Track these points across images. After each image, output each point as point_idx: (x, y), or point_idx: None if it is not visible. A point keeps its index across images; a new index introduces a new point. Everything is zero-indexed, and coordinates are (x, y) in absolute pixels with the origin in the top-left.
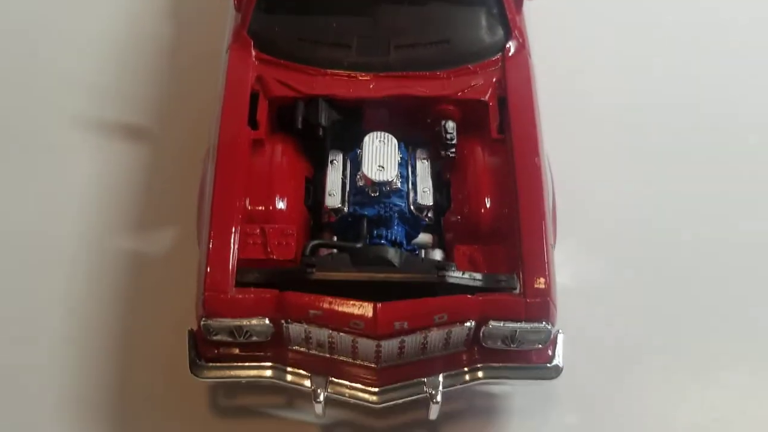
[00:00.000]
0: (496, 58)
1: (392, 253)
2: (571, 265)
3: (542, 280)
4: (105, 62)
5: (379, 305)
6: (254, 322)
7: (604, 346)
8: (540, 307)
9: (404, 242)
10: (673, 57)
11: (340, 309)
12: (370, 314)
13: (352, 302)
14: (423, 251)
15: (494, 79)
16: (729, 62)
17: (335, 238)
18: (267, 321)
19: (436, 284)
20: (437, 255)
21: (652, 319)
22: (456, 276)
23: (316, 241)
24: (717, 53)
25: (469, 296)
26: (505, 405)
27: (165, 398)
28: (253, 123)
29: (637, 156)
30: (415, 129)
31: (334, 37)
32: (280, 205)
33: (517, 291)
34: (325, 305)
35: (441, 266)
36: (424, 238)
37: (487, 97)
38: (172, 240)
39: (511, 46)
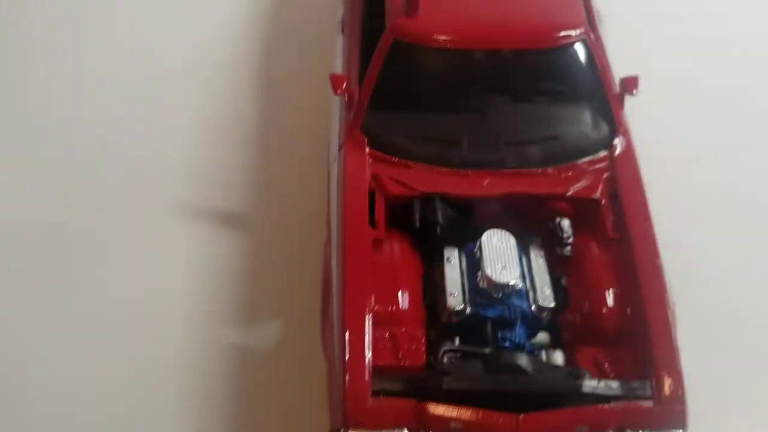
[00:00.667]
0: (603, 155)
1: (525, 360)
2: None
3: (676, 387)
4: (205, 148)
5: (521, 417)
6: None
7: None
8: (677, 415)
9: (526, 344)
10: None
11: (481, 421)
12: (514, 426)
13: (493, 414)
14: (543, 352)
15: (604, 176)
16: None
17: (458, 340)
18: (406, 431)
19: (567, 394)
20: (558, 357)
21: None
22: (592, 385)
23: (447, 347)
24: None
25: (607, 406)
26: None
27: None
28: (372, 222)
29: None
30: (527, 225)
31: (445, 134)
32: (405, 306)
33: (651, 398)
34: (467, 417)
35: (576, 374)
36: (540, 337)
37: (598, 195)
38: (276, 334)
39: (618, 142)
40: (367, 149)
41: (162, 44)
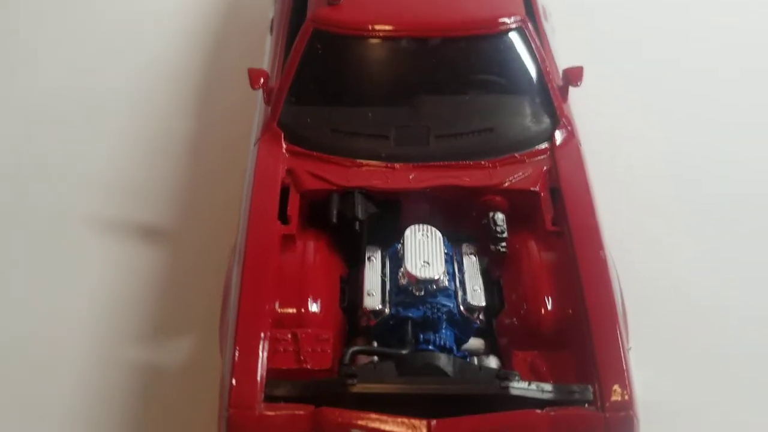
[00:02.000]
0: (544, 147)
1: (444, 361)
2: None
3: (622, 390)
4: (124, 161)
5: (434, 422)
6: None
7: None
8: (622, 422)
9: (454, 348)
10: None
11: (388, 427)
12: None
13: (401, 420)
14: (475, 358)
15: (544, 168)
16: None
17: (375, 344)
18: None
19: (495, 398)
20: (492, 362)
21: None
22: (521, 387)
23: (355, 348)
24: None
25: (538, 411)
26: None
27: None
28: (283, 218)
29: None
30: (458, 224)
31: (370, 128)
32: (314, 307)
33: (593, 404)
34: (370, 423)
35: (503, 376)
36: (474, 343)
37: (537, 188)
38: (190, 350)
39: (559, 134)
40: (284, 144)
41: (101, 61)
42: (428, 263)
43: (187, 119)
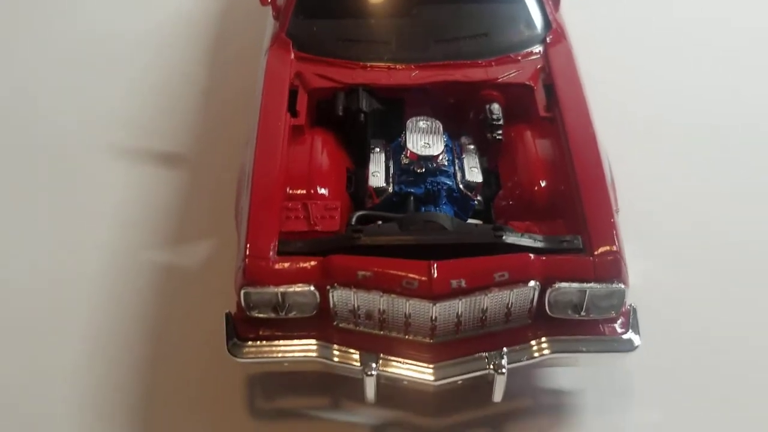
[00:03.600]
0: (537, 48)
1: (443, 218)
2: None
3: (610, 238)
4: (144, 99)
5: (434, 263)
6: (298, 289)
7: (683, 339)
8: (611, 265)
9: None
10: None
11: (392, 268)
12: (425, 272)
13: (404, 261)
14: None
15: (537, 66)
16: None
17: (380, 222)
18: (312, 288)
19: (491, 247)
20: None
21: (736, 312)
22: (514, 236)
23: (361, 212)
24: None
25: (531, 255)
26: (575, 402)
27: (201, 402)
28: (293, 112)
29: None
30: (459, 122)
31: (374, 35)
32: (321, 190)
33: (583, 252)
34: (375, 265)
35: (498, 228)
36: (475, 223)
37: (531, 82)
38: (208, 252)
39: (551, 37)
40: (293, 52)
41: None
42: (429, 144)
43: (203, 63)
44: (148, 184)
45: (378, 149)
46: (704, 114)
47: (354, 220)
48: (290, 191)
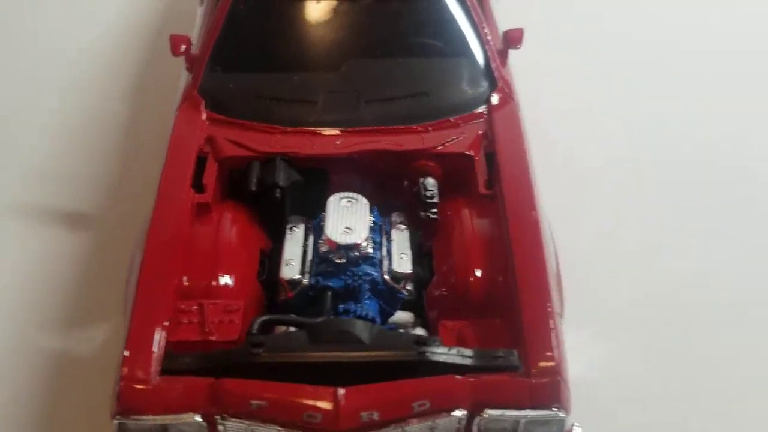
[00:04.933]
0: (480, 110)
1: (360, 327)
2: (586, 351)
3: (550, 354)
4: (54, 146)
5: (341, 391)
6: (182, 419)
7: None
8: (549, 388)
9: (378, 319)
10: (674, 106)
11: (291, 397)
12: (331, 402)
13: (306, 388)
14: (402, 332)
15: (479, 132)
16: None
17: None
18: (198, 418)
19: (414, 365)
20: (419, 333)
21: (687, 405)
22: (441, 352)
23: (265, 317)
24: (718, 105)
25: (457, 377)
26: None
27: None
28: (198, 186)
29: (644, 215)
30: (390, 194)
31: (297, 93)
32: (226, 280)
33: (519, 370)
34: (272, 393)
35: (422, 341)
36: (402, 316)
37: (472, 151)
38: (104, 336)
39: (497, 97)
40: (204, 112)
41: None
42: (351, 229)
43: (119, 103)
44: (47, 247)
45: (296, 228)
46: (661, 152)
47: (255, 327)
48: (189, 283)
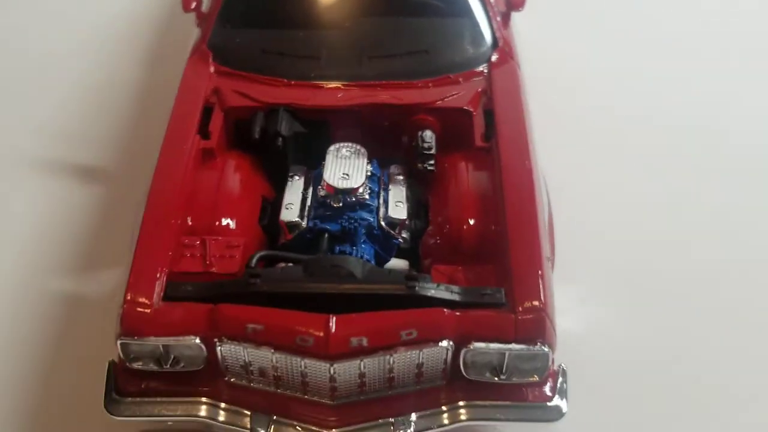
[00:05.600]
0: (480, 69)
1: (353, 263)
2: (577, 309)
3: (536, 293)
4: (72, 106)
5: (332, 317)
6: (182, 341)
7: (616, 397)
8: (534, 324)
9: (372, 261)
10: (683, 69)
11: (285, 322)
12: (321, 327)
13: (299, 315)
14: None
15: (479, 89)
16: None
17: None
18: (197, 341)
19: (404, 299)
20: None
21: (673, 364)
22: (430, 287)
23: (263, 252)
24: (723, 64)
25: (445, 310)
26: None
27: None
28: (204, 133)
29: (644, 181)
30: (391, 148)
31: (302, 49)
32: (227, 221)
33: (505, 306)
34: (266, 318)
35: (412, 277)
36: (398, 263)
37: (470, 107)
38: (115, 280)
39: (497, 57)
40: (213, 65)
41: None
42: (348, 175)
43: (136, 65)
44: (64, 199)
45: (297, 177)
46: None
47: (254, 261)
48: (192, 223)
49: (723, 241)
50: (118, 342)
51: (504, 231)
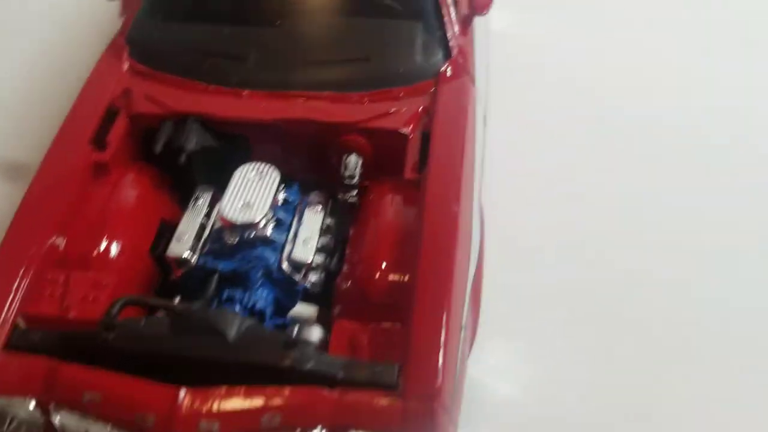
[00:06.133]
0: (427, 82)
1: (228, 320)
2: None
3: (433, 374)
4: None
5: (182, 391)
6: (14, 402)
7: None
8: (424, 414)
9: (267, 311)
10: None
11: (125, 393)
12: (167, 404)
13: (143, 384)
14: (296, 327)
15: (420, 108)
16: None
17: (177, 301)
18: (32, 404)
19: (279, 371)
20: (314, 334)
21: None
22: (309, 359)
23: (127, 297)
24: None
25: (322, 390)
26: None
27: None
28: (100, 143)
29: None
30: (318, 170)
31: (228, 48)
32: (108, 249)
33: (396, 389)
34: (106, 385)
35: (291, 344)
36: (304, 310)
37: (408, 130)
38: None
39: (449, 69)
40: (127, 62)
41: None
42: (249, 205)
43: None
44: None
45: (201, 200)
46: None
47: (116, 309)
48: (65, 249)
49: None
50: None
51: (412, 289)
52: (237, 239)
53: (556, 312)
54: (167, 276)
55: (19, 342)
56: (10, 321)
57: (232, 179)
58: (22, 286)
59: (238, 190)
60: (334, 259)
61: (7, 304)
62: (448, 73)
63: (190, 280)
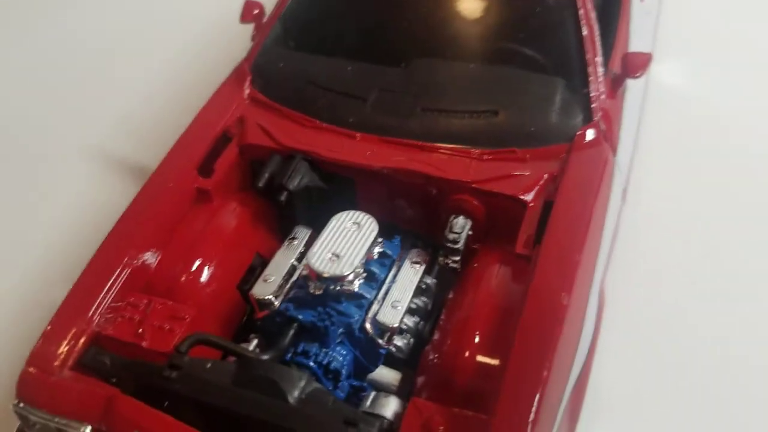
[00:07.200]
0: (559, 146)
1: (292, 380)
2: None
3: None
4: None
5: None
6: (71, 425)
7: None
8: None
9: (343, 372)
10: None
11: None
12: None
13: None
14: (372, 396)
15: (546, 175)
16: None
17: (255, 342)
18: (89, 429)
19: None
20: (389, 407)
21: None
22: None
23: (198, 335)
24: None
25: None
26: None
27: None
28: (207, 169)
29: None
30: (424, 225)
31: (347, 85)
32: (199, 278)
33: None
34: (156, 428)
35: (351, 421)
36: (387, 375)
37: (529, 197)
38: None
39: (587, 134)
40: (248, 89)
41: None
42: (339, 257)
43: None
44: (108, 196)
45: (297, 240)
46: None
47: (186, 346)
48: (155, 272)
49: None
50: (13, 406)
51: (499, 381)
52: (322, 290)
53: None
54: (253, 311)
55: (90, 362)
56: (87, 338)
57: (327, 226)
58: (105, 302)
59: (331, 238)
60: (427, 325)
61: (87, 319)
62: (586, 139)
63: (270, 323)
